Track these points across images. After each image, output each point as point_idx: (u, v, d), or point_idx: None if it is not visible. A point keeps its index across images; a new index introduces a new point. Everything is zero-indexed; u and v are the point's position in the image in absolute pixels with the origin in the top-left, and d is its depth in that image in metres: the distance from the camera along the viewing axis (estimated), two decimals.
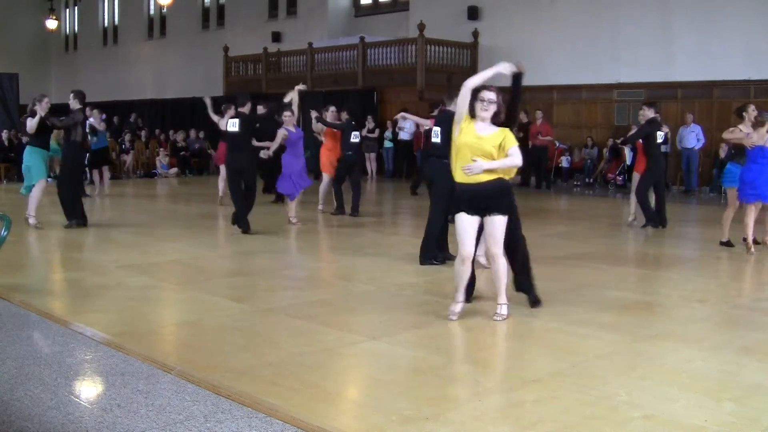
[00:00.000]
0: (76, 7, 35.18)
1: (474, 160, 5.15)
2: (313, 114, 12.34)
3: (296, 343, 4.84)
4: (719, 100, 16.59)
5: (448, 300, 5.97)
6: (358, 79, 20.83)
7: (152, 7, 30.92)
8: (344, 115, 12.10)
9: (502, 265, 5.40)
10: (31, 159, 9.89)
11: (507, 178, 5.32)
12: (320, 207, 12.18)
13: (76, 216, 9.97)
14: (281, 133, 10.33)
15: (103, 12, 33.62)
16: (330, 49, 21.84)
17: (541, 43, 18.69)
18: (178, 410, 3.68)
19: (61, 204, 10.00)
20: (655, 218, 10.39)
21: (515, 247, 5.75)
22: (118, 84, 30.94)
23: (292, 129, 10.48)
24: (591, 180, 17.88)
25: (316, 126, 12.19)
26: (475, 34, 20.10)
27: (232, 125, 9.67)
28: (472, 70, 20.07)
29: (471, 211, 5.26)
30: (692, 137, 16.14)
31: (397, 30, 21.51)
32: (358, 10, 24.35)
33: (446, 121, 7.32)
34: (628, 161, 17.04)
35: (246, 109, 9.82)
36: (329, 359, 4.57)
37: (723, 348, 4.81)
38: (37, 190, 9.92)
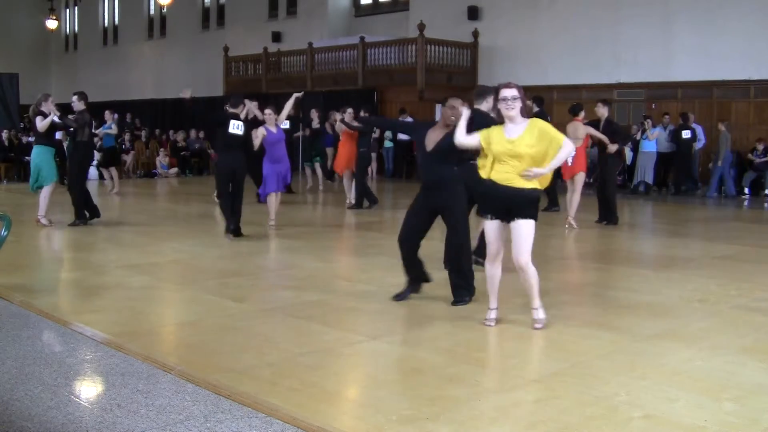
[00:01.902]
0: (76, 7, 35.19)
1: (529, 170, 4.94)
2: (338, 116, 12.73)
3: (296, 343, 4.84)
4: (719, 100, 16.60)
5: (448, 300, 5.97)
6: (358, 79, 20.84)
7: (152, 7, 30.93)
8: (362, 114, 12.37)
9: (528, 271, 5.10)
10: (41, 158, 9.92)
11: (540, 187, 5.05)
12: (350, 201, 12.62)
13: (82, 216, 10.12)
14: (260, 132, 9.72)
15: (103, 12, 33.63)
16: (330, 49, 21.85)
17: (541, 43, 18.69)
18: (178, 410, 3.68)
19: (74, 204, 10.14)
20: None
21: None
22: (118, 84, 30.94)
23: (273, 129, 9.82)
24: (591, 180, 17.87)
25: (339, 126, 12.58)
26: (475, 34, 20.10)
27: (237, 128, 9.20)
28: (472, 70, 20.14)
29: (497, 215, 5.11)
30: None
31: (397, 30, 21.52)
32: (358, 10, 24.36)
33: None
34: (629, 162, 17.06)
35: (240, 110, 9.45)
36: (329, 359, 4.57)
37: (723, 348, 4.81)
38: (48, 190, 9.94)
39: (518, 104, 4.98)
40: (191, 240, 9.20)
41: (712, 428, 3.51)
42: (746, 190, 15.72)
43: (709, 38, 16.28)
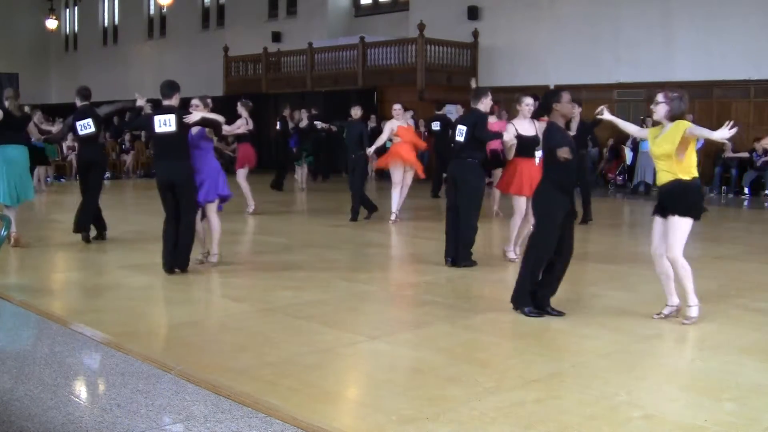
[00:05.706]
0: (76, 7, 35.16)
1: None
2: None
3: (296, 343, 4.84)
4: (719, 100, 16.58)
5: (448, 300, 5.98)
6: (358, 79, 20.83)
7: (152, 7, 30.91)
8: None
9: (680, 267, 5.29)
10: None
11: (686, 177, 5.25)
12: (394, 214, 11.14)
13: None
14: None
15: (103, 12, 33.61)
16: (330, 49, 21.85)
17: (541, 42, 18.68)
18: (178, 410, 3.68)
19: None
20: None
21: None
22: (118, 84, 30.89)
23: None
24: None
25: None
26: (475, 34, 20.10)
27: (166, 123, 6.96)
28: (472, 70, 20.10)
29: (656, 212, 5.42)
30: None
31: (397, 30, 21.51)
32: (358, 10, 24.36)
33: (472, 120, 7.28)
34: (629, 161, 17.07)
35: (175, 101, 7.11)
36: (329, 359, 4.57)
37: (723, 348, 4.81)
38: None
39: (663, 107, 5.28)
40: None
41: (712, 428, 3.51)
42: (746, 190, 15.71)
43: (710, 38, 16.27)
